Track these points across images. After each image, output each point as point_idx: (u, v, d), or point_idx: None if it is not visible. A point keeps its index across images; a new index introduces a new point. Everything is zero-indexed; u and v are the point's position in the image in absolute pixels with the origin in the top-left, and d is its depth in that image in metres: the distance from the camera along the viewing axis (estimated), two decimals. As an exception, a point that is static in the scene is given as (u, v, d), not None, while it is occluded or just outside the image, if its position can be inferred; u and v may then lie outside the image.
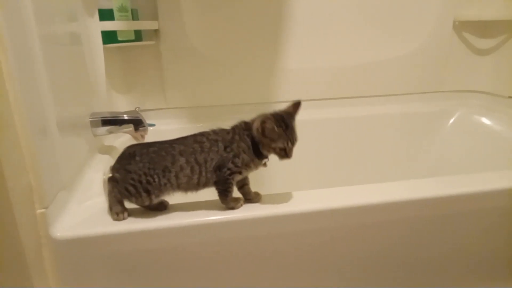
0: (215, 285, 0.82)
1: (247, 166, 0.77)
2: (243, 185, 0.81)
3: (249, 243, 0.79)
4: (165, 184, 0.75)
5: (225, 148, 0.76)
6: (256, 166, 0.79)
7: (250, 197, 0.81)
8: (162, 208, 0.79)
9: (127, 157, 0.76)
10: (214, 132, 0.78)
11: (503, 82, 1.46)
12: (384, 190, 0.85)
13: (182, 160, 0.75)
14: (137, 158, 0.75)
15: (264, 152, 0.77)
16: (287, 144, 0.74)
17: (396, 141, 1.56)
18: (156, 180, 0.74)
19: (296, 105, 0.78)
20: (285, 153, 0.75)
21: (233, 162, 0.75)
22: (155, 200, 0.76)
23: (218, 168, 0.76)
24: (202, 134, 0.78)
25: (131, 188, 0.74)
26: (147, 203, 0.76)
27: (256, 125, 0.75)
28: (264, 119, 0.73)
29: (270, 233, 0.79)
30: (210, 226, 0.76)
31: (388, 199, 0.82)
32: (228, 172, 0.76)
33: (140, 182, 0.74)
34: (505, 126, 1.38)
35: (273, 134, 0.73)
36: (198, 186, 0.77)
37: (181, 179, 0.75)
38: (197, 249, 0.78)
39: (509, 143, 1.33)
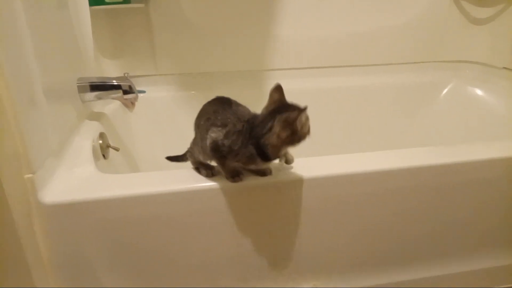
0: (215, 251, 0.83)
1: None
2: None
3: (239, 211, 0.80)
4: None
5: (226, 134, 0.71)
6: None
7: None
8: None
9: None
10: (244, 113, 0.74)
11: (499, 52, 1.45)
12: (375, 158, 0.85)
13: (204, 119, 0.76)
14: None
15: (273, 156, 0.71)
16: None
17: (389, 111, 1.56)
18: (197, 135, 0.78)
19: (279, 89, 0.70)
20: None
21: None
22: (204, 158, 0.78)
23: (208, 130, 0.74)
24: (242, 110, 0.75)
25: (193, 146, 0.81)
26: (202, 159, 0.78)
27: (276, 130, 0.68)
28: (292, 118, 0.68)
29: (260, 202, 0.80)
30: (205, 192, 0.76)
31: (380, 167, 0.82)
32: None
33: (196, 139, 0.80)
34: (498, 97, 1.38)
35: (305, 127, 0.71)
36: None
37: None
38: (191, 216, 0.78)
39: (501, 114, 1.34)
